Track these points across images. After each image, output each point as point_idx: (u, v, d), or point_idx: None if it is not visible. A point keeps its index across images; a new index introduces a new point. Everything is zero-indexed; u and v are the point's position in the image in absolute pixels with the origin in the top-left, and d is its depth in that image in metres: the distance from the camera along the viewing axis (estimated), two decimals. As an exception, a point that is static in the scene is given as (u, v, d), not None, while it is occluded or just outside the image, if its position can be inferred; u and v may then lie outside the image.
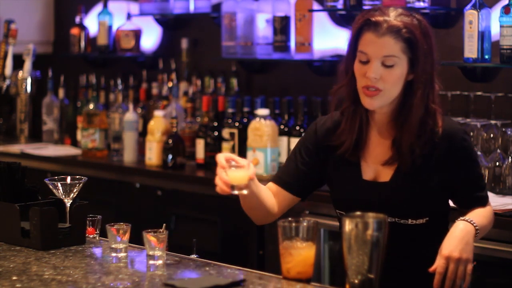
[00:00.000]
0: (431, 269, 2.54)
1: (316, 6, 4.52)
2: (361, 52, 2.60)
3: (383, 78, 2.58)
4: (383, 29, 2.57)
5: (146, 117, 5.12)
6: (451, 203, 2.74)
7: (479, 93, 3.93)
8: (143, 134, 4.97)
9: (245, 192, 2.53)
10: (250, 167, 2.54)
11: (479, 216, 2.64)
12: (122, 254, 2.58)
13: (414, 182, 2.64)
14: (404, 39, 2.57)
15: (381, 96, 2.60)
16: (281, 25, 4.55)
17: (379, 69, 2.57)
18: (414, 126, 2.62)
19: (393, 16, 2.59)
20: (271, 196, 2.81)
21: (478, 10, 3.73)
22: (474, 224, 2.57)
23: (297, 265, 2.29)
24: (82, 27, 5.65)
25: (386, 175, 2.67)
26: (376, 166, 2.69)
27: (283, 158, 4.36)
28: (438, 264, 2.52)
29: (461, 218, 2.60)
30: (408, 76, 2.62)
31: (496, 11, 3.79)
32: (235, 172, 2.50)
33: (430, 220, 2.65)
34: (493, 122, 3.83)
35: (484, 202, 2.70)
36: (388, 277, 2.50)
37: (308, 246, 2.29)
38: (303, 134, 2.88)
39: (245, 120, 4.54)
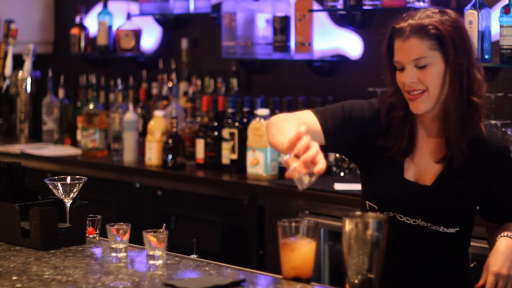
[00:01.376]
0: (478, 285, 2.56)
1: (316, 6, 4.52)
2: (396, 62, 2.61)
3: (421, 80, 2.57)
4: (407, 33, 2.57)
5: (146, 117, 5.12)
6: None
7: (479, 93, 3.92)
8: (143, 134, 4.97)
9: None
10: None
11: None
12: (122, 254, 2.58)
13: (456, 191, 2.62)
14: (431, 36, 2.56)
15: (425, 98, 2.58)
16: (281, 25, 4.56)
17: (414, 72, 2.56)
18: (455, 121, 2.58)
19: (417, 18, 2.59)
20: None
21: (478, 10, 3.73)
22: None
23: (297, 265, 2.29)
24: (82, 27, 5.65)
25: (429, 178, 2.65)
26: (420, 167, 2.66)
27: (283, 158, 4.35)
28: (488, 281, 2.54)
29: (503, 234, 2.60)
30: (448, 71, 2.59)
31: (496, 11, 3.79)
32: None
33: (460, 231, 2.64)
34: (493, 122, 3.83)
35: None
36: (402, 279, 2.52)
37: (308, 246, 2.29)
38: (356, 100, 2.73)
39: (245, 120, 4.54)
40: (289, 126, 2.52)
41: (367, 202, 2.71)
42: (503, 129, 3.80)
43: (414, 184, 2.65)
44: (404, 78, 2.57)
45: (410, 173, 2.66)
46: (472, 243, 3.27)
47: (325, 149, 2.58)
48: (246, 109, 4.58)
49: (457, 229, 2.63)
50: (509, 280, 2.54)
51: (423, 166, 2.66)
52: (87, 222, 2.78)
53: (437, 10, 2.62)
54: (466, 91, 2.58)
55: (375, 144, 2.67)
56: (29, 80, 5.76)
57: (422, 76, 2.56)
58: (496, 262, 2.54)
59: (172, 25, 5.30)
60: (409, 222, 2.63)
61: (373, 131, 2.67)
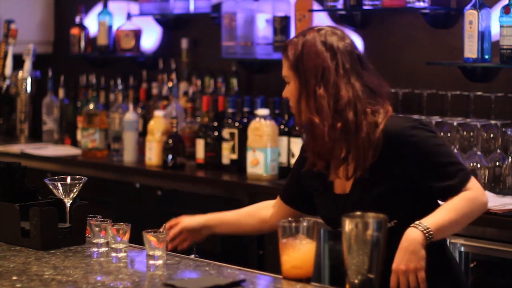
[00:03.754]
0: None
1: (316, 6, 4.52)
2: None
3: (286, 95, 2.68)
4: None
5: (146, 117, 5.12)
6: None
7: (479, 93, 3.92)
8: (143, 134, 4.97)
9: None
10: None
11: (444, 210, 2.54)
12: (122, 254, 2.58)
13: (367, 190, 2.59)
14: (287, 57, 2.66)
15: (294, 111, 2.67)
16: (281, 25, 4.56)
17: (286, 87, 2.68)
18: (325, 135, 2.59)
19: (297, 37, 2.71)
20: (251, 215, 2.93)
21: (478, 10, 3.73)
22: (425, 229, 2.48)
23: (297, 265, 2.29)
24: (82, 27, 5.65)
25: (349, 186, 2.66)
26: (342, 179, 2.67)
27: (283, 158, 4.36)
28: (391, 280, 2.47)
29: (414, 223, 2.51)
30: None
31: (496, 11, 3.79)
32: None
33: (399, 223, 2.55)
34: (493, 122, 3.83)
35: (454, 190, 2.56)
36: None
37: (308, 246, 2.29)
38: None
39: (245, 120, 4.54)
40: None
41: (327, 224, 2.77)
42: (503, 129, 3.80)
43: (339, 196, 2.66)
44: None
45: (338, 187, 2.68)
46: (472, 243, 3.28)
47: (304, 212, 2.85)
48: (246, 109, 4.58)
49: (395, 221, 2.54)
50: (409, 274, 2.46)
51: (343, 178, 2.67)
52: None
53: (310, 29, 2.70)
54: (333, 103, 2.60)
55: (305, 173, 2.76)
56: (29, 80, 5.76)
57: (286, 92, 2.68)
58: (396, 259, 2.47)
59: (172, 25, 5.30)
60: None
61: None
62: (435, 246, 2.56)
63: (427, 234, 2.46)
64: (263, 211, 2.93)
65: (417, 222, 2.49)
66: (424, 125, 2.62)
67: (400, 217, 2.56)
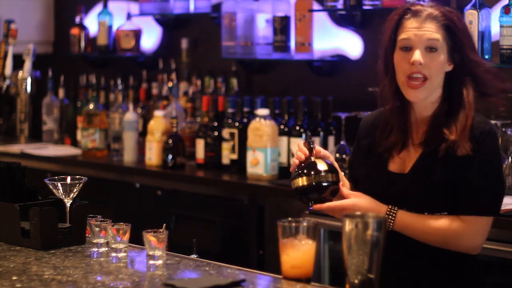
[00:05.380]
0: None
1: (316, 6, 4.52)
2: (403, 40, 2.60)
3: (428, 65, 2.58)
4: (424, 15, 2.60)
5: (146, 117, 5.12)
6: None
7: (479, 93, 3.92)
8: (143, 134, 4.97)
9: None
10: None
11: (423, 221, 2.57)
12: (122, 254, 2.58)
13: (432, 175, 2.59)
14: (444, 26, 2.59)
15: (426, 87, 2.59)
16: (281, 25, 4.55)
17: (424, 55, 2.58)
18: (463, 115, 2.58)
19: (430, 7, 2.62)
20: None
21: (478, 10, 3.73)
22: (389, 219, 2.57)
23: (297, 265, 2.29)
24: (82, 27, 5.65)
25: (409, 167, 2.65)
26: (406, 157, 2.67)
27: (283, 158, 4.36)
28: (345, 202, 2.58)
29: (391, 207, 2.58)
30: (448, 65, 2.62)
31: (496, 11, 3.79)
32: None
33: (449, 215, 2.58)
34: (493, 122, 3.82)
35: (462, 210, 2.57)
36: (392, 271, 2.51)
37: (308, 246, 2.29)
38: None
39: (245, 120, 4.54)
40: None
41: None
42: (503, 129, 3.80)
43: (394, 174, 2.66)
44: (413, 57, 2.57)
45: (395, 165, 2.68)
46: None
47: None
48: (246, 109, 4.58)
49: (445, 213, 2.58)
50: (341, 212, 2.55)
51: (408, 156, 2.67)
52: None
53: (443, 7, 2.65)
54: (475, 86, 2.61)
55: (364, 143, 2.76)
56: (29, 80, 5.76)
57: (430, 60, 2.58)
58: (358, 201, 2.57)
59: (172, 25, 5.30)
60: None
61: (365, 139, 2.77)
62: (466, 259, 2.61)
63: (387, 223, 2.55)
64: None
65: (394, 209, 2.57)
66: (497, 136, 2.67)
67: (448, 210, 2.58)
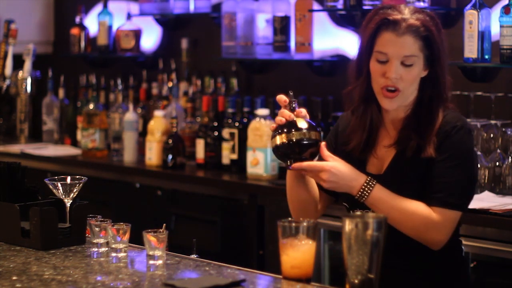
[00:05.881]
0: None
1: (316, 6, 4.52)
2: (379, 52, 2.59)
3: (402, 78, 2.58)
4: (402, 28, 2.57)
5: (146, 117, 5.12)
6: None
7: (479, 93, 3.92)
8: (143, 134, 4.97)
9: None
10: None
11: (397, 201, 2.56)
12: (122, 254, 2.58)
13: (405, 175, 2.60)
14: (422, 37, 2.58)
15: (399, 97, 2.59)
16: (281, 25, 4.55)
17: (399, 68, 2.57)
18: (434, 118, 2.59)
19: (409, 14, 2.59)
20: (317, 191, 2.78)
21: (478, 10, 3.73)
22: (365, 189, 2.56)
23: (297, 265, 2.29)
24: (82, 27, 5.65)
25: (384, 168, 2.66)
26: (381, 158, 2.67)
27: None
28: (325, 163, 2.55)
29: (369, 179, 2.57)
30: (423, 72, 2.62)
31: (496, 11, 3.79)
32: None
33: None
34: (493, 122, 3.83)
35: (433, 202, 2.56)
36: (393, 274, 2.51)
37: (308, 246, 2.29)
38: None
39: (245, 120, 4.54)
40: None
41: (343, 202, 2.74)
42: (503, 129, 3.80)
43: (372, 176, 2.63)
44: (388, 72, 2.57)
45: (373, 166, 2.68)
46: (472, 243, 3.27)
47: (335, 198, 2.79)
48: (246, 109, 4.58)
49: None
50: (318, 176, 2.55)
51: (383, 158, 2.67)
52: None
53: (421, 10, 2.64)
54: (446, 91, 2.63)
55: (341, 147, 2.74)
56: (29, 80, 5.76)
57: (405, 74, 2.58)
58: (338, 172, 2.55)
59: (172, 25, 5.30)
60: None
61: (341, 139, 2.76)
62: (453, 248, 2.59)
63: (361, 193, 2.56)
64: None
65: (373, 181, 2.55)
66: (471, 133, 2.64)
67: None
